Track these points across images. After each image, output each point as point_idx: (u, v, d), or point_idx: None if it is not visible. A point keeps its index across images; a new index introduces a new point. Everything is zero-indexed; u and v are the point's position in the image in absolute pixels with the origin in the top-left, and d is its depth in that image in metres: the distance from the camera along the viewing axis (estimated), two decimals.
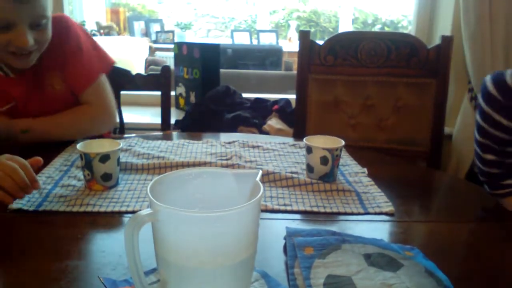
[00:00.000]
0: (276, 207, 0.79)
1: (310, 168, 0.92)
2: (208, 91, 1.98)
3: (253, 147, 1.14)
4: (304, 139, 0.92)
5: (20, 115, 1.08)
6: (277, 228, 0.72)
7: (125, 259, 0.60)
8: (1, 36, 0.95)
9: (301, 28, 5.45)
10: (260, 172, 0.52)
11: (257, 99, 1.97)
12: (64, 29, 1.13)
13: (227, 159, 1.02)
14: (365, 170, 0.99)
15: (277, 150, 1.13)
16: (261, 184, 0.50)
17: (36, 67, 1.09)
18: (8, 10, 0.93)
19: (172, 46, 2.39)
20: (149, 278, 0.55)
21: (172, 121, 1.69)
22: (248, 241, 0.48)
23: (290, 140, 1.24)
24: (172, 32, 5.25)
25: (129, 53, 4.28)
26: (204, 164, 0.96)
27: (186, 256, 0.46)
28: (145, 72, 1.62)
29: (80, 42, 1.16)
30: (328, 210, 0.79)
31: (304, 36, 1.52)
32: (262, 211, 0.78)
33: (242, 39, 5.25)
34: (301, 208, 0.80)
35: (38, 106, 1.12)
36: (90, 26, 4.78)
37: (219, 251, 0.46)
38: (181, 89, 2.19)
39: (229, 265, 0.47)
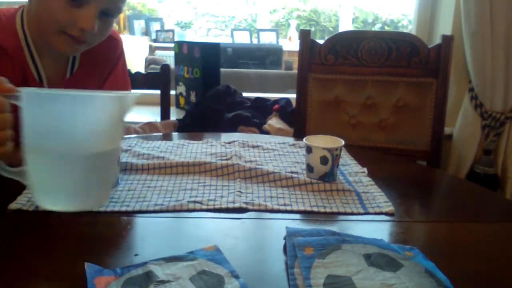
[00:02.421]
0: (276, 207, 0.79)
1: (310, 168, 0.91)
2: (209, 90, 1.97)
3: (253, 147, 1.14)
4: (303, 139, 0.92)
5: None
6: (277, 228, 0.72)
7: (125, 259, 0.60)
8: (70, 12, 0.84)
9: (301, 27, 5.44)
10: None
11: (257, 98, 1.97)
12: (114, 45, 1.04)
13: (227, 159, 1.02)
14: (365, 169, 0.99)
15: (277, 150, 1.12)
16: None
17: (72, 80, 1.02)
18: None
19: (172, 45, 2.39)
20: None
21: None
22: (104, 136, 0.50)
23: (290, 140, 1.24)
24: (172, 31, 5.24)
25: (129, 52, 4.27)
26: (204, 164, 0.96)
27: (40, 140, 0.49)
28: (145, 71, 1.62)
29: (125, 69, 1.07)
30: (328, 210, 0.79)
31: (304, 36, 1.52)
32: (262, 211, 0.78)
33: (242, 38, 5.24)
34: (301, 208, 0.80)
35: None
36: None
37: (72, 139, 0.49)
38: (181, 88, 2.19)
39: (82, 155, 0.49)
